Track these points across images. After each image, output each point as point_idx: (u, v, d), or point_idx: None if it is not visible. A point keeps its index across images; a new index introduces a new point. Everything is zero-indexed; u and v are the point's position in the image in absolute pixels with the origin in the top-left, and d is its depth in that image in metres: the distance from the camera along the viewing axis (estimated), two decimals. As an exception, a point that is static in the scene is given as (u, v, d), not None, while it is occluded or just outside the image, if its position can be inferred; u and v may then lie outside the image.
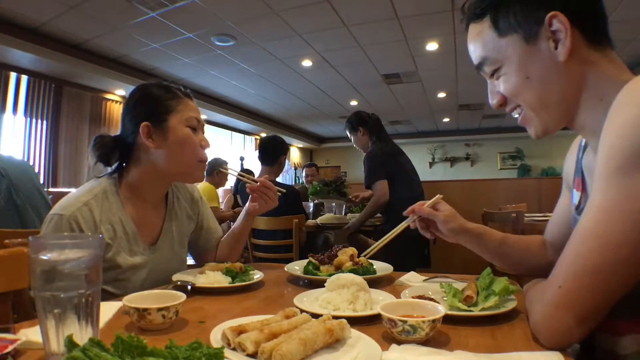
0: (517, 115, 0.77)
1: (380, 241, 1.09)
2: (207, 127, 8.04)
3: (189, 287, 0.97)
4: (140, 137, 1.06)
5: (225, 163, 4.28)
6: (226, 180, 4.37)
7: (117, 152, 1.10)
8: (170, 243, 1.19)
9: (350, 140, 3.13)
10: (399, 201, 2.81)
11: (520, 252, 0.98)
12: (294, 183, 10.75)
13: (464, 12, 0.79)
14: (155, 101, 1.08)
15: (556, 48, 0.67)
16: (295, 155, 12.28)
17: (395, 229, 1.05)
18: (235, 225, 1.35)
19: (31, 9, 3.79)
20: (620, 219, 0.54)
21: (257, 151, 2.86)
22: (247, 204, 1.32)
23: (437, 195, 1.04)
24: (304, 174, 4.95)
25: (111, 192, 1.07)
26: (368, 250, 1.13)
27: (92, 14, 3.90)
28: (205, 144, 1.12)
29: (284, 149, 2.88)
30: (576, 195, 0.82)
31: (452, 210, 0.99)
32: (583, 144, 0.82)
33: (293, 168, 11.63)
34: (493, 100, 0.78)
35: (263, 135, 10.22)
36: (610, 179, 0.56)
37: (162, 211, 1.19)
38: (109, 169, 1.13)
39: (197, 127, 1.11)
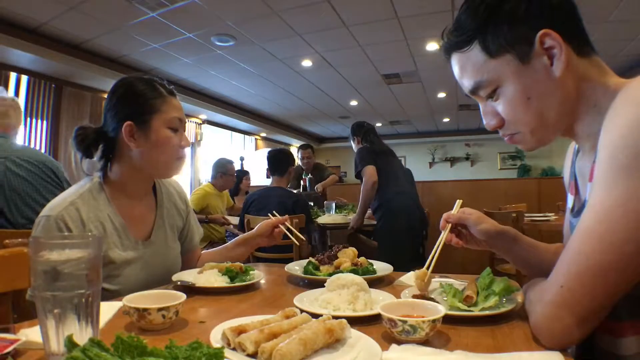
0: (506, 138, 0.76)
1: (431, 255, 0.94)
2: (207, 127, 8.07)
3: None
4: (122, 134, 1.06)
5: (231, 163, 4.12)
6: (232, 182, 4.13)
7: (99, 145, 1.10)
8: (164, 237, 1.19)
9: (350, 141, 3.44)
10: (386, 197, 2.97)
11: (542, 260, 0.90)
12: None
13: (442, 40, 0.76)
14: (139, 100, 1.07)
15: (552, 64, 0.67)
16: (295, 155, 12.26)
17: (437, 243, 0.94)
18: (230, 253, 1.31)
19: (31, 9, 3.79)
20: (624, 217, 0.54)
21: (267, 164, 3.09)
22: (251, 234, 1.28)
23: (458, 201, 0.99)
24: (299, 156, 4.76)
25: (97, 190, 1.08)
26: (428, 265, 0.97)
27: (92, 14, 3.90)
28: (186, 144, 1.13)
29: (291, 160, 3.11)
30: (570, 198, 0.83)
31: (480, 212, 0.95)
32: (577, 148, 0.82)
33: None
34: (491, 122, 0.76)
35: (263, 135, 10.22)
36: (614, 179, 0.56)
37: (151, 206, 1.20)
38: (99, 166, 1.12)
39: (178, 127, 1.11)
